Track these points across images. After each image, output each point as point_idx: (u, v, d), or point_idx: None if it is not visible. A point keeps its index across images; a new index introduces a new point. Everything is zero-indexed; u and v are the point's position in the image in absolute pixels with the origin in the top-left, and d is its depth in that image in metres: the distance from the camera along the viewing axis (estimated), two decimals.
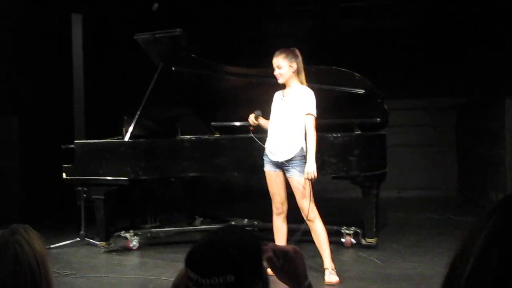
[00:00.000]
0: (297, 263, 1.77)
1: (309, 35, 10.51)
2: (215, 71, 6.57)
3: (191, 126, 7.08)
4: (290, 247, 1.81)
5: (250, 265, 1.68)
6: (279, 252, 1.74)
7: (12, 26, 8.39)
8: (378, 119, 6.29)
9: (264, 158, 5.22)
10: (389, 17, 10.25)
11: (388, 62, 9.72)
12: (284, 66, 5.02)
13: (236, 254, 1.67)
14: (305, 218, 5.05)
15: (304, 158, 4.99)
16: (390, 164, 6.42)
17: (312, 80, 5.90)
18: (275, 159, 5.10)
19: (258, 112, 5.27)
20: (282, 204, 5.19)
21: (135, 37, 6.35)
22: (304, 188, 4.96)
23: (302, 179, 4.97)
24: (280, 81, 5.09)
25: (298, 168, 4.98)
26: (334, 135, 5.84)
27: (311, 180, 4.92)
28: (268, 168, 5.19)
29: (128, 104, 6.82)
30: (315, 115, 5.00)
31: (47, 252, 2.15)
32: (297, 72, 5.08)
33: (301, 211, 5.04)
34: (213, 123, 6.91)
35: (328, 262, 5.05)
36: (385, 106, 6.23)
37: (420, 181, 10.14)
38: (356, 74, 5.94)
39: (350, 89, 5.99)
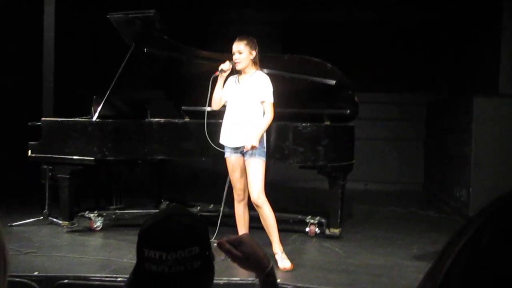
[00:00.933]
0: (255, 247, 1.76)
1: (283, 24, 10.48)
2: (187, 55, 6.52)
3: (161, 109, 7.03)
4: (243, 234, 1.82)
5: (207, 236, 1.68)
6: (235, 241, 1.74)
7: None
8: (348, 111, 6.30)
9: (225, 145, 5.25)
10: (364, 11, 10.26)
11: (360, 55, 9.77)
12: (245, 52, 5.05)
13: (197, 226, 1.66)
14: (254, 203, 5.05)
15: (263, 142, 5.04)
16: (358, 156, 6.46)
17: (284, 68, 5.92)
18: (232, 145, 5.13)
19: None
20: (243, 191, 5.21)
21: (108, 16, 6.26)
22: (256, 172, 4.98)
23: (256, 163, 4.99)
24: (239, 67, 5.09)
25: (255, 151, 5.00)
26: (303, 124, 5.83)
27: (249, 148, 4.95)
28: (228, 154, 5.21)
29: (99, 84, 6.74)
30: (273, 100, 5.05)
31: (1, 229, 2.10)
32: (254, 62, 5.13)
33: (250, 194, 5.04)
34: (183, 107, 6.86)
35: (277, 246, 5.08)
36: (356, 98, 6.25)
37: (387, 175, 10.23)
38: (328, 64, 5.93)
39: (322, 79, 5.99)
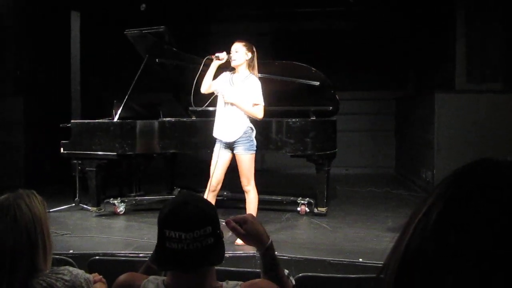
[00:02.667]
0: (257, 225, 1.78)
1: (272, 34, 10.44)
2: (192, 63, 6.50)
3: (171, 109, 7.04)
4: (247, 214, 1.84)
5: (217, 217, 1.70)
6: (240, 220, 1.75)
7: (20, 20, 8.19)
8: (331, 107, 6.32)
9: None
10: (341, 21, 10.24)
11: (340, 59, 9.76)
12: (241, 51, 4.85)
13: (208, 209, 1.68)
14: (244, 189, 4.94)
15: (250, 136, 4.86)
16: (340, 145, 6.46)
17: (274, 72, 5.92)
18: (223, 139, 4.92)
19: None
20: (217, 183, 4.96)
21: (125, 32, 6.24)
22: (246, 166, 4.84)
23: (246, 159, 4.84)
24: (233, 63, 4.87)
25: (243, 146, 4.83)
26: (293, 120, 5.83)
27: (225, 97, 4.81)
28: (217, 147, 4.98)
29: (118, 90, 6.73)
30: (263, 103, 4.86)
31: (46, 215, 2.09)
32: (249, 64, 4.91)
33: (241, 182, 4.91)
34: (190, 108, 6.85)
35: None
36: (337, 97, 6.26)
37: (364, 160, 10.25)
38: (312, 68, 5.94)
39: (307, 81, 6.00)
